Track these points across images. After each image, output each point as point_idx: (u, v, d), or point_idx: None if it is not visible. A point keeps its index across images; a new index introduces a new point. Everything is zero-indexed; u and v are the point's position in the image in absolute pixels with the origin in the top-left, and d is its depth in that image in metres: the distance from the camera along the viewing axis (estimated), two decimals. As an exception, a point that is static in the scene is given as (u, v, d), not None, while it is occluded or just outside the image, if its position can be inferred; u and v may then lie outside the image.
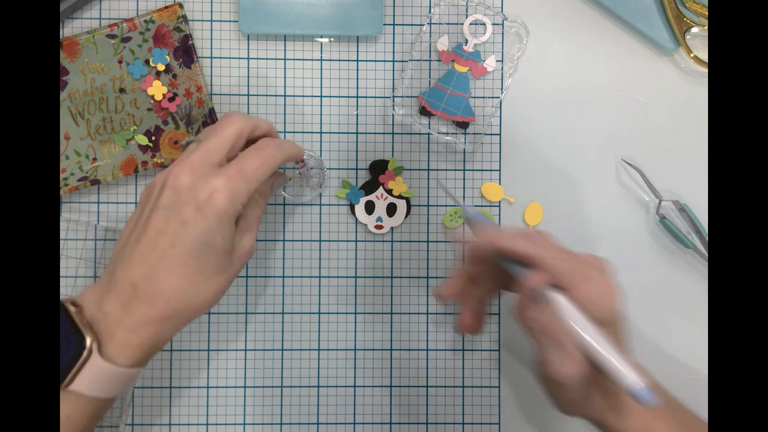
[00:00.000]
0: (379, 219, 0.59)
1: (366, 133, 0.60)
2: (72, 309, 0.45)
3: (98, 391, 0.45)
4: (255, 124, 0.50)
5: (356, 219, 0.59)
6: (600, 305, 0.44)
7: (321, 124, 0.59)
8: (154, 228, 0.46)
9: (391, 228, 0.59)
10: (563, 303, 0.44)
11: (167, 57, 0.57)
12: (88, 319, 0.45)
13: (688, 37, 0.59)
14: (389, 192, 0.59)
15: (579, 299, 0.44)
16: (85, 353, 0.43)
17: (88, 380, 0.44)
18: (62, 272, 0.58)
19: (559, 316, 0.44)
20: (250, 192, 0.47)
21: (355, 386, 0.59)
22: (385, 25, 0.59)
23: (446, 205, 0.59)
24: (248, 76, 0.59)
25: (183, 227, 0.45)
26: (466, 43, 0.59)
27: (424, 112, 0.59)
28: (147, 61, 0.57)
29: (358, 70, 0.59)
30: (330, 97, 0.59)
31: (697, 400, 0.55)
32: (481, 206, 0.59)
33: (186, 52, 0.57)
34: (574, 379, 0.43)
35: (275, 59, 0.59)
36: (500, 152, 0.60)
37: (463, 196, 0.59)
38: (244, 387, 0.59)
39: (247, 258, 0.49)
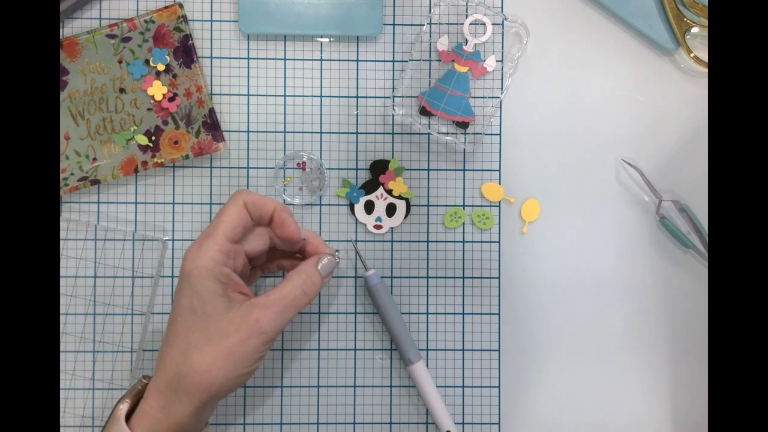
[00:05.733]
0: (378, 219, 0.59)
1: (366, 133, 0.59)
2: (143, 380, 0.50)
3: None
4: (253, 201, 0.51)
5: (356, 218, 0.59)
6: None
7: (321, 124, 0.59)
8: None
9: (391, 228, 0.59)
10: None
11: (167, 57, 0.57)
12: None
13: (688, 37, 0.59)
14: (389, 192, 0.59)
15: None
16: (122, 405, 0.49)
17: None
18: (62, 272, 0.58)
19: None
20: (219, 246, 0.48)
21: (355, 386, 0.59)
22: (385, 25, 0.59)
23: (446, 205, 0.59)
24: (248, 76, 0.59)
25: (175, 301, 0.49)
26: (466, 43, 0.59)
27: (424, 112, 0.59)
28: (147, 61, 0.57)
29: (358, 70, 0.59)
30: (330, 97, 0.59)
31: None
32: (481, 206, 0.59)
33: (186, 52, 0.57)
34: None
35: (275, 59, 0.59)
36: (500, 152, 0.60)
37: (463, 196, 0.59)
38: (245, 387, 0.59)
39: (253, 334, 0.47)
